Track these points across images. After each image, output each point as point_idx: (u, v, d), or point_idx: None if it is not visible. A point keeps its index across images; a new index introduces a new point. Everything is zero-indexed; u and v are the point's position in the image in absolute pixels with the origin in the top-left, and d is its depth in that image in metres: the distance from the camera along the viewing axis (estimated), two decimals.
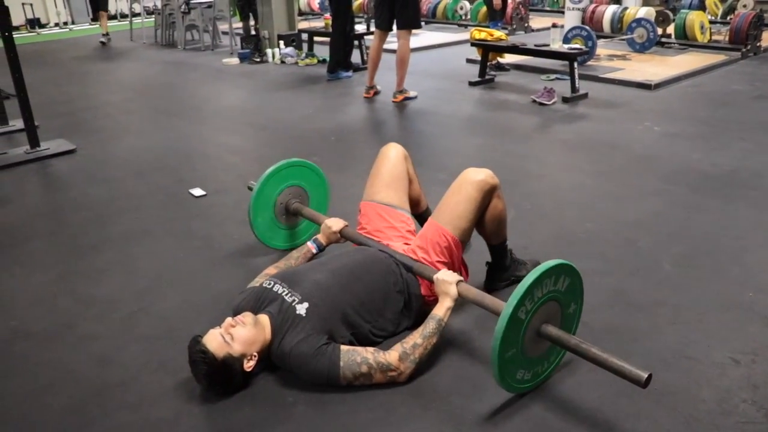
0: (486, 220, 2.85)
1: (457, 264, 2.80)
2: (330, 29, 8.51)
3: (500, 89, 7.52)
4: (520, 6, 11.76)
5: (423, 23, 13.24)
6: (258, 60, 9.84)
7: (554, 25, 7.32)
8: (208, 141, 5.83)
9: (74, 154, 5.49)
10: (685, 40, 9.51)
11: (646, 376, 2.01)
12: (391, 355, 2.37)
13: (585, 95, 6.85)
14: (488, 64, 7.88)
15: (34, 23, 15.65)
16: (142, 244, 3.72)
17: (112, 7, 17.02)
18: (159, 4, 12.37)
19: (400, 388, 2.38)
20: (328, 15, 8.78)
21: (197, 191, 4.43)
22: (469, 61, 9.08)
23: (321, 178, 3.53)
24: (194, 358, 2.29)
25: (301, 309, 2.41)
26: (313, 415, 2.26)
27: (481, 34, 7.68)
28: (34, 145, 5.43)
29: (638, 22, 9.24)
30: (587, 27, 8.74)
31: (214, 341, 2.30)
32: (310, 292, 2.47)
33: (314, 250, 3.02)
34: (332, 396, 2.34)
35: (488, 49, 7.70)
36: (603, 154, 5.03)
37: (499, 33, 7.75)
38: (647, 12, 9.82)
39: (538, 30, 11.66)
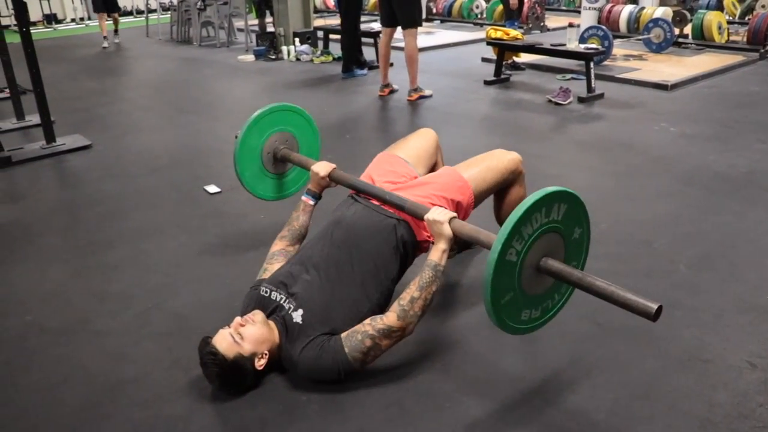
0: (506, 204, 2.84)
1: (461, 215, 2.68)
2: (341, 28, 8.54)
3: (516, 89, 7.50)
4: (537, 5, 11.71)
5: (438, 21, 13.37)
6: (273, 57, 9.86)
7: (570, 25, 7.29)
8: (223, 138, 5.83)
9: (90, 149, 5.51)
10: (703, 41, 9.43)
11: (655, 307, 1.90)
12: (389, 317, 2.30)
13: (601, 95, 6.82)
14: (504, 63, 7.86)
15: (51, 19, 15.78)
16: (157, 240, 3.72)
17: (128, 3, 17.12)
18: (175, 1, 12.41)
19: (413, 388, 2.38)
20: None
21: (212, 188, 4.43)
22: (484, 60, 9.05)
23: (310, 123, 3.46)
24: (205, 360, 2.28)
25: (297, 317, 2.37)
26: (327, 414, 2.26)
27: (497, 33, 7.67)
28: (50, 140, 5.46)
29: (655, 22, 9.18)
30: (603, 27, 8.69)
31: (224, 341, 2.28)
32: (303, 296, 2.42)
33: (311, 202, 2.96)
34: (346, 395, 2.34)
35: (504, 48, 7.68)
36: (618, 155, 5.00)
37: (515, 32, 7.74)
38: (664, 12, 9.76)
39: (554, 29, 11.59)
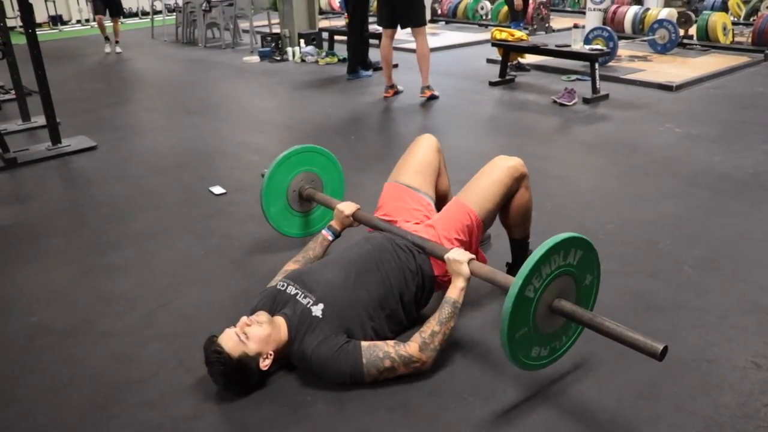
0: (511, 210, 2.86)
1: (474, 246, 2.78)
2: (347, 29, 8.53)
3: (521, 90, 7.50)
4: (541, 6, 11.71)
5: (443, 22, 13.37)
6: (278, 58, 9.87)
7: (575, 26, 7.29)
8: (228, 139, 5.84)
9: (95, 150, 5.53)
10: (708, 42, 9.42)
11: (661, 348, 1.95)
12: (412, 347, 2.36)
13: (606, 96, 6.81)
14: (509, 64, 7.86)
15: (56, 20, 15.78)
16: (162, 241, 3.73)
17: (133, 4, 17.15)
18: (180, 2, 12.42)
19: (419, 388, 2.38)
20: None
21: (217, 189, 4.44)
22: (489, 61, 9.05)
23: (334, 164, 3.51)
24: (210, 359, 2.29)
25: (317, 311, 2.40)
26: (332, 414, 2.27)
27: (502, 34, 7.65)
28: (56, 141, 5.47)
29: (660, 23, 9.17)
30: (608, 28, 8.67)
31: (230, 341, 2.29)
32: (325, 292, 2.46)
33: (330, 238, 3.01)
34: (351, 395, 2.34)
35: (509, 50, 7.67)
36: (624, 156, 5.00)
37: (520, 33, 7.72)
38: (669, 13, 9.74)
39: (559, 30, 11.60)
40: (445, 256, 2.52)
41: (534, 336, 2.19)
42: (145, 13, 16.82)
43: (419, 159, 3.08)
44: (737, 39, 9.63)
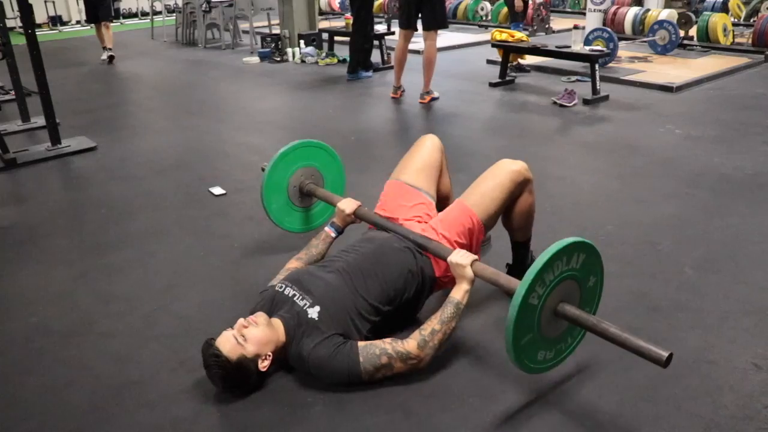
0: (515, 213, 2.86)
1: (475, 248, 2.77)
2: (351, 29, 8.51)
3: (521, 91, 7.50)
4: (541, 7, 11.71)
5: None
6: (278, 59, 9.87)
7: (575, 27, 7.27)
8: (227, 140, 5.84)
9: (95, 151, 5.52)
10: (708, 43, 9.43)
11: (666, 355, 1.92)
12: (410, 344, 2.35)
13: (606, 97, 6.81)
14: (509, 65, 7.86)
15: (56, 21, 15.79)
16: (162, 242, 3.73)
17: (133, 5, 17.15)
18: (180, 3, 12.42)
19: (419, 389, 2.38)
20: (349, 15, 8.78)
21: (217, 190, 4.44)
22: (489, 62, 9.05)
23: (334, 159, 3.51)
24: (208, 363, 2.28)
25: (313, 313, 2.39)
26: (332, 416, 2.26)
27: (502, 35, 7.66)
28: (55, 142, 5.47)
29: (660, 24, 9.18)
30: (608, 29, 8.68)
31: (227, 343, 2.29)
32: (321, 294, 2.45)
33: (333, 234, 3.01)
34: (351, 396, 2.34)
35: (509, 51, 7.68)
36: (624, 157, 5.00)
37: (520, 34, 7.73)
38: (669, 14, 9.75)
39: (559, 31, 11.59)
40: (448, 259, 2.51)
41: (539, 341, 2.19)
42: (144, 14, 16.83)
43: (422, 158, 3.07)
44: (737, 40, 9.64)
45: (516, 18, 9.55)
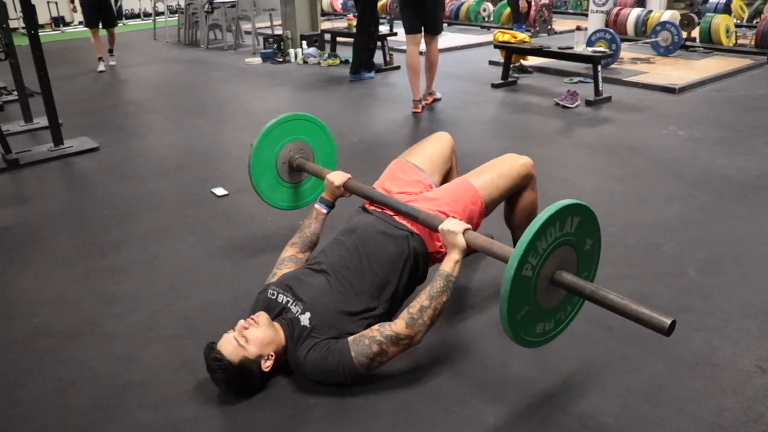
0: (517, 210, 2.85)
1: (474, 226, 2.68)
2: (353, 30, 8.51)
3: (523, 92, 7.49)
4: (544, 8, 11.71)
5: (445, 24, 13.37)
6: (280, 60, 9.87)
7: (578, 28, 7.28)
8: (230, 140, 5.84)
9: (97, 152, 5.53)
10: (710, 44, 9.42)
11: (669, 322, 1.86)
12: (398, 325, 2.30)
13: (608, 98, 6.81)
14: (511, 66, 7.86)
15: (58, 21, 15.81)
16: (164, 243, 3.73)
17: (135, 6, 17.16)
18: (182, 3, 12.44)
19: (421, 390, 2.37)
20: (351, 15, 8.78)
21: (219, 191, 4.44)
22: (491, 63, 9.05)
23: (324, 131, 3.47)
24: (210, 366, 2.28)
25: (305, 320, 2.37)
26: (334, 418, 2.26)
27: (505, 36, 7.65)
28: (58, 142, 5.48)
29: (663, 25, 9.17)
30: (611, 30, 8.66)
31: (229, 346, 2.27)
32: (311, 299, 2.41)
33: (324, 211, 2.95)
34: (353, 398, 2.34)
35: (511, 52, 7.67)
36: (626, 158, 4.99)
37: (522, 35, 7.73)
38: (672, 15, 9.75)
39: (562, 33, 11.59)
40: (440, 227, 2.42)
41: (537, 313, 2.11)
42: (147, 15, 16.84)
43: (433, 147, 3.05)
44: (740, 41, 9.63)
45: (519, 19, 9.56)
